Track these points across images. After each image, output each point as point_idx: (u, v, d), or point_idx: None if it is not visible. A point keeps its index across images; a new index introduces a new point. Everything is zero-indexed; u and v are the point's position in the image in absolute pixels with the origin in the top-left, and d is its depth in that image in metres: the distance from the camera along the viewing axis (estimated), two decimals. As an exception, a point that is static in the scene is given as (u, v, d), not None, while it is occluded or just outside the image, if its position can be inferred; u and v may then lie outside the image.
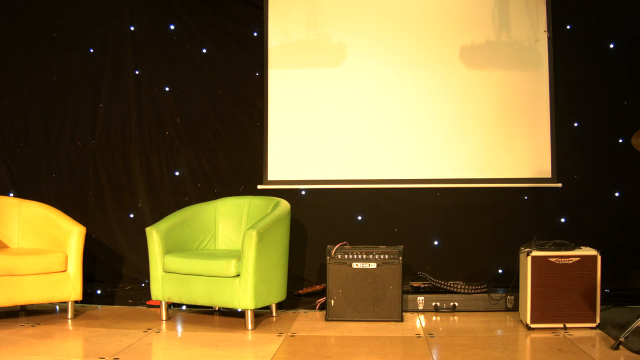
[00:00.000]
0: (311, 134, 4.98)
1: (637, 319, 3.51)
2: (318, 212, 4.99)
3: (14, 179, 5.16)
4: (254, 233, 3.99)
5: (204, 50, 5.10)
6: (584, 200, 4.84)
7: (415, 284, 4.64)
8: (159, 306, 4.39)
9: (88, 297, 4.81)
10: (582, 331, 3.88)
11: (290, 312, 4.55)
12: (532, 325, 3.96)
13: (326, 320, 4.28)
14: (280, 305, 4.53)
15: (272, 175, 5.00)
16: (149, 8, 5.14)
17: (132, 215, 5.13)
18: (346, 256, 4.30)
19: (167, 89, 5.12)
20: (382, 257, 4.27)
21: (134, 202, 5.13)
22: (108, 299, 4.88)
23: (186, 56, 5.11)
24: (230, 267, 4.02)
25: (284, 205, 4.46)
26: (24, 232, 4.59)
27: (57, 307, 4.61)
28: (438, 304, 4.49)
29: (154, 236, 4.29)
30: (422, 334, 3.94)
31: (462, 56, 4.89)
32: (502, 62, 4.87)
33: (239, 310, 4.21)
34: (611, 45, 4.84)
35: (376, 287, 4.26)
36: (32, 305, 4.49)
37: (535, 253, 3.97)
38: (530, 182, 4.84)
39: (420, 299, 4.50)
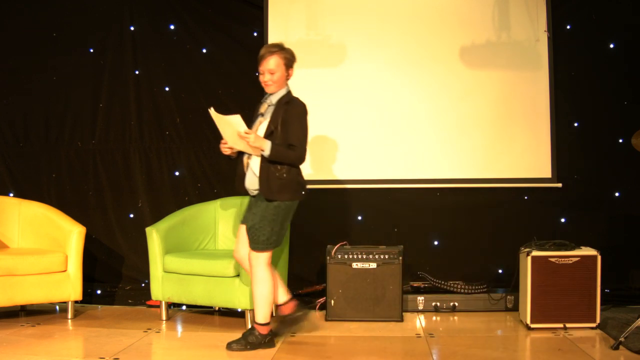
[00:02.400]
0: (311, 134, 4.94)
1: (637, 319, 3.51)
2: (318, 212, 4.98)
3: (14, 179, 5.16)
4: (254, 233, 3.99)
5: (204, 50, 5.10)
6: (584, 200, 4.83)
7: (415, 284, 4.64)
8: (159, 306, 4.39)
9: (88, 297, 4.81)
10: (582, 331, 3.88)
11: (290, 312, 4.55)
12: (532, 325, 3.96)
13: (326, 320, 4.28)
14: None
15: (272, 175, 4.99)
16: (149, 8, 5.13)
17: (132, 215, 5.13)
18: (346, 256, 4.30)
19: (167, 89, 5.12)
20: (382, 257, 4.27)
21: (134, 202, 5.13)
22: (108, 299, 4.88)
23: (186, 56, 5.10)
24: (230, 267, 4.02)
25: (284, 205, 4.46)
26: (24, 232, 4.59)
27: (57, 307, 4.61)
28: (438, 304, 4.49)
29: (154, 236, 4.29)
30: (422, 334, 3.94)
31: (462, 56, 4.88)
32: (502, 62, 4.86)
33: (239, 310, 4.21)
34: (611, 45, 4.84)
35: (376, 287, 4.25)
36: (32, 305, 4.49)
37: (535, 253, 3.97)
38: (530, 182, 4.84)
39: (420, 299, 4.50)
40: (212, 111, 3.51)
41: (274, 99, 3.61)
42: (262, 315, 3.59)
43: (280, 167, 3.50)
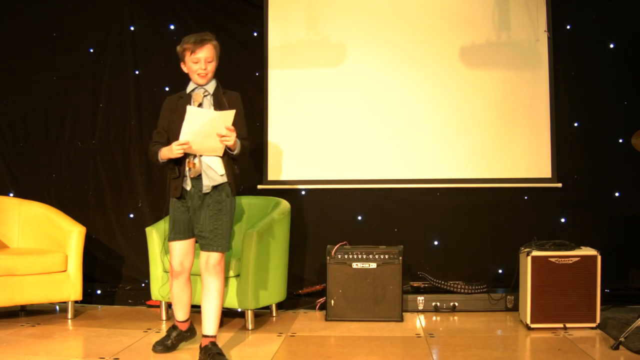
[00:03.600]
0: (311, 134, 4.98)
1: (637, 319, 3.51)
2: (318, 212, 4.99)
3: (14, 179, 5.16)
4: (253, 233, 3.99)
5: (204, 50, 5.09)
6: (584, 200, 4.83)
7: (415, 284, 4.64)
8: (159, 306, 4.39)
9: (88, 297, 4.81)
10: (582, 331, 3.88)
11: (290, 312, 4.55)
12: (532, 325, 3.96)
13: (326, 320, 4.28)
14: (280, 305, 4.53)
15: (272, 175, 5.00)
16: (149, 8, 5.14)
17: (132, 215, 5.13)
18: (346, 256, 4.30)
19: (167, 89, 5.12)
20: (382, 257, 4.27)
21: (134, 202, 5.13)
22: (108, 299, 4.88)
23: (186, 56, 5.10)
24: (232, 267, 4.01)
25: (284, 205, 4.46)
26: (24, 232, 4.59)
27: (57, 307, 4.61)
28: (438, 304, 4.49)
29: (154, 236, 4.29)
30: (422, 334, 3.94)
31: (462, 56, 4.88)
32: (502, 62, 4.86)
33: (239, 310, 4.21)
34: (611, 45, 4.84)
35: (376, 287, 4.25)
36: (32, 305, 4.49)
37: (535, 253, 3.97)
38: (530, 182, 4.84)
39: (420, 299, 4.50)
40: (191, 108, 3.19)
41: (209, 88, 3.35)
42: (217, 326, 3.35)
43: (235, 162, 3.37)
